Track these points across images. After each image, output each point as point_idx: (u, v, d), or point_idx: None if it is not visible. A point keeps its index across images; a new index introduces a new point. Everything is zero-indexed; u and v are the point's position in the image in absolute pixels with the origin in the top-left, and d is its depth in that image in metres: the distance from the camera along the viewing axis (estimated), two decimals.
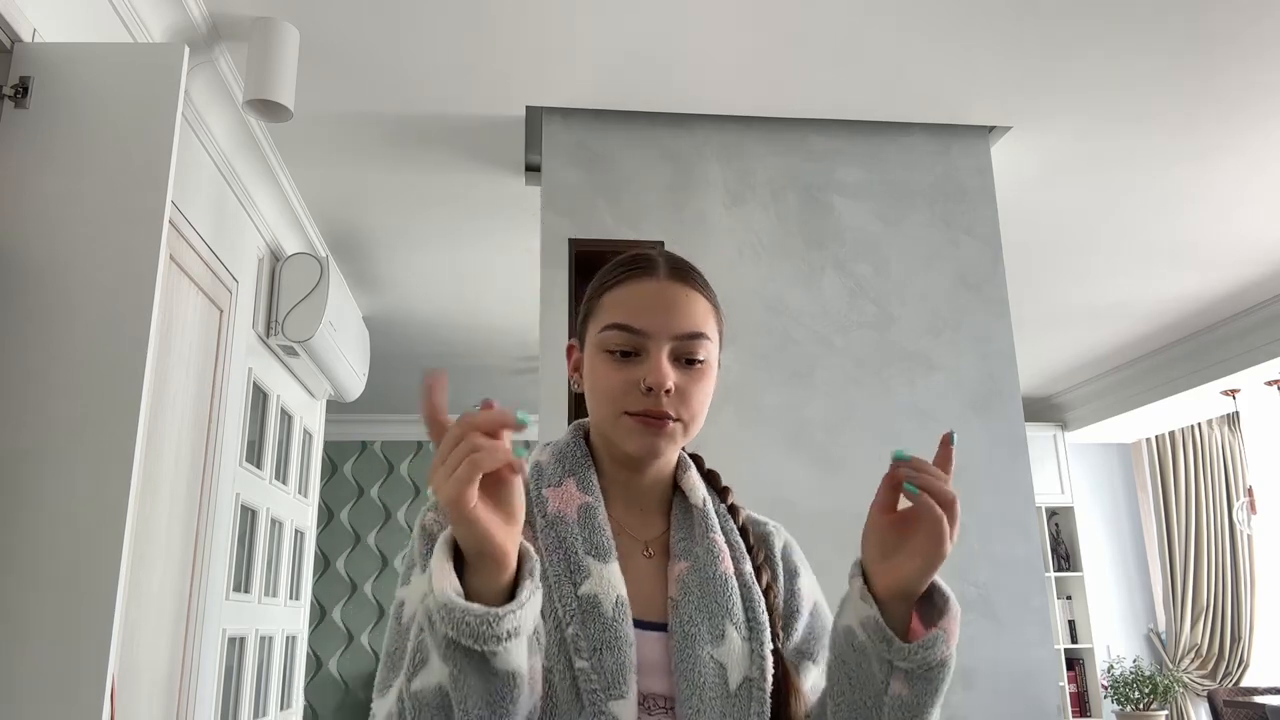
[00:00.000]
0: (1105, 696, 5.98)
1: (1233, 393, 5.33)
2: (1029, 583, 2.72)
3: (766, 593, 0.95)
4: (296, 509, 3.98)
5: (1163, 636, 6.45)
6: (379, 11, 2.42)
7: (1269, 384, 5.14)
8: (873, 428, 2.77)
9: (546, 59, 2.64)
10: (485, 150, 3.13)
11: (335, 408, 6.82)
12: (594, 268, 3.22)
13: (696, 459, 1.08)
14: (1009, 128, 3.03)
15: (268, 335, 3.41)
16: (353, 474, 6.91)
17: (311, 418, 4.26)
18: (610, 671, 0.82)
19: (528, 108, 2.89)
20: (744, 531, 1.01)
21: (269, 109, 2.40)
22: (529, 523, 0.90)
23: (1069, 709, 6.00)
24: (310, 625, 5.16)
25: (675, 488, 1.01)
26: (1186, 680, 6.21)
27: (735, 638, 0.89)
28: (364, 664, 6.55)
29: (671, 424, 0.90)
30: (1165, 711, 5.84)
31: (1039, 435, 6.37)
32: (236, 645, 3.19)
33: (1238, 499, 6.29)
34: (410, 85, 2.75)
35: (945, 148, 3.06)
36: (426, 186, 3.38)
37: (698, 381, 0.93)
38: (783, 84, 2.79)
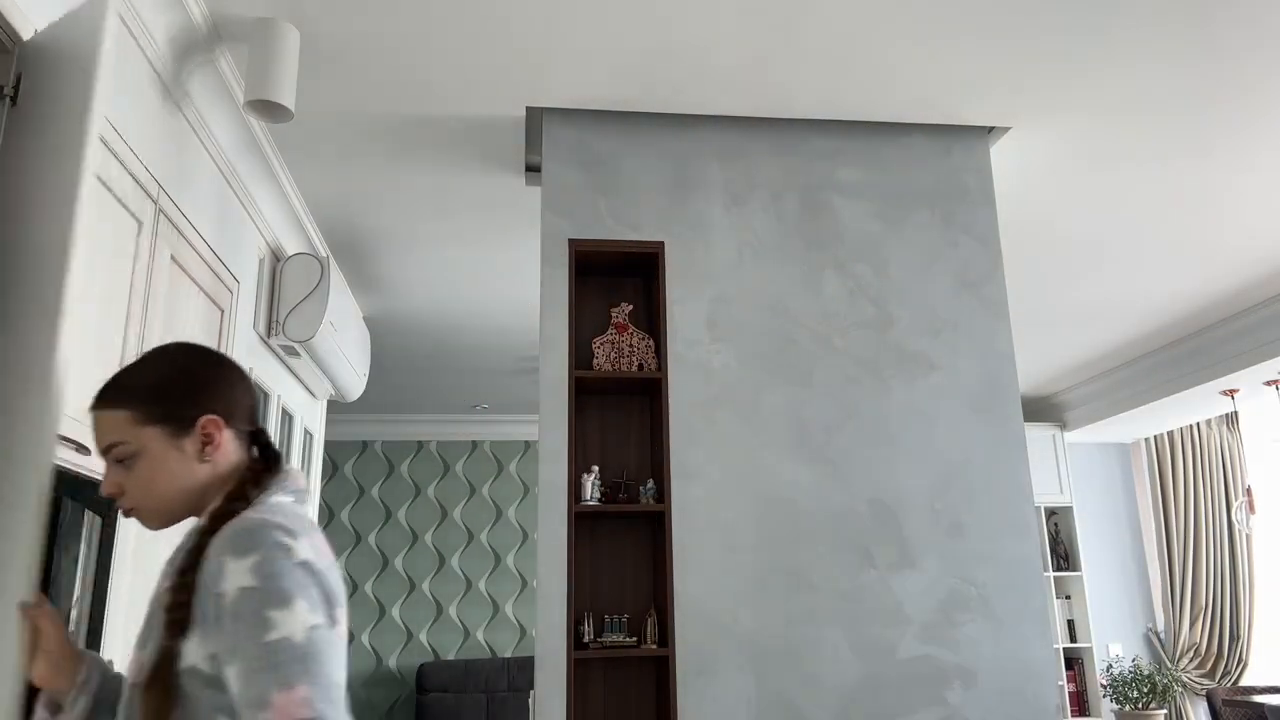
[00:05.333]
0: (1104, 696, 5.99)
1: (1231, 393, 5.34)
2: (1028, 582, 2.72)
3: (172, 600, 1.10)
4: None
5: (1161, 636, 6.46)
6: (379, 12, 2.42)
7: (1268, 384, 5.15)
8: (873, 428, 2.77)
9: (546, 59, 2.64)
10: (485, 150, 3.13)
11: (336, 408, 6.83)
12: (594, 268, 3.20)
13: (243, 478, 1.23)
14: (1008, 128, 3.04)
15: (269, 335, 3.41)
16: (353, 474, 6.92)
17: (312, 418, 4.26)
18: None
19: (528, 108, 2.89)
20: (191, 549, 1.15)
21: (269, 109, 2.40)
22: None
23: (1068, 708, 6.01)
24: None
25: None
26: (1185, 679, 6.22)
27: (134, 648, 1.15)
28: (364, 663, 6.56)
29: (131, 511, 1.20)
30: (1164, 711, 5.85)
31: (1038, 435, 6.38)
32: None
33: (1236, 499, 6.30)
34: (410, 85, 2.75)
35: (945, 148, 3.06)
36: (427, 186, 3.39)
37: (135, 472, 1.19)
38: (783, 84, 2.79)
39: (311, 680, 1.03)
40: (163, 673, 1.06)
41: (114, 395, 1.22)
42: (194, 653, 1.07)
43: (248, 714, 1.02)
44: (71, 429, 1.89)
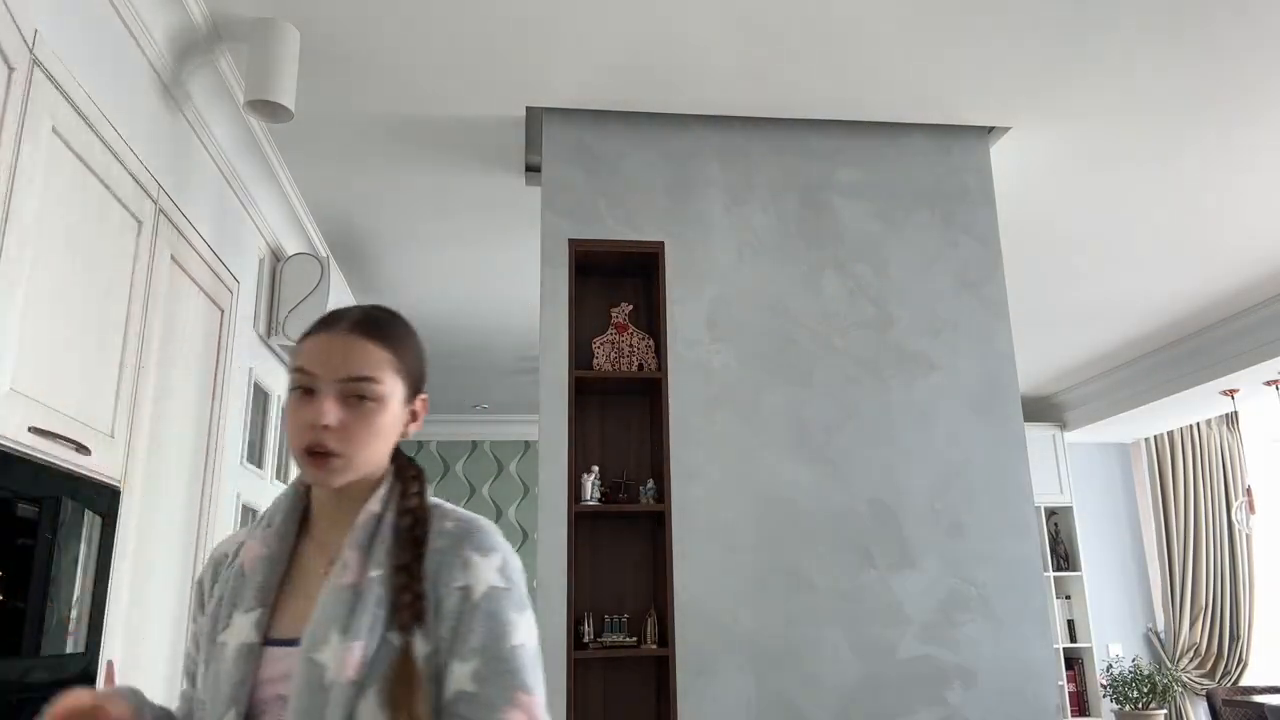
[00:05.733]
0: (1104, 696, 5.99)
1: (1231, 393, 5.34)
2: (1028, 582, 2.72)
3: (399, 594, 1.02)
4: None
5: (1161, 636, 6.46)
6: (379, 12, 2.42)
7: (1268, 384, 5.15)
8: (873, 428, 2.77)
9: (546, 59, 2.64)
10: (485, 150, 3.13)
11: None
12: (594, 268, 3.20)
13: (403, 468, 1.15)
14: (1008, 128, 3.04)
15: (269, 335, 3.41)
16: None
17: None
18: (213, 701, 1.02)
19: (528, 108, 2.89)
20: (401, 537, 1.08)
21: (270, 109, 2.40)
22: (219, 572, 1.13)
23: (1068, 708, 6.01)
24: None
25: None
26: (1185, 679, 6.22)
27: (335, 640, 0.99)
28: None
29: (333, 459, 1.05)
30: (1164, 711, 5.85)
31: (1038, 435, 6.38)
32: None
33: (1236, 499, 6.30)
34: (410, 85, 2.75)
35: (945, 148, 3.06)
36: (427, 186, 3.39)
37: (364, 418, 1.07)
38: (783, 84, 2.79)
39: (541, 689, 1.02)
40: (410, 668, 0.98)
41: (383, 334, 1.12)
42: (417, 647, 1.00)
43: (483, 714, 0.98)
44: (71, 429, 1.89)
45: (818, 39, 2.57)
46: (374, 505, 1.09)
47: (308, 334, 1.11)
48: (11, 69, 1.69)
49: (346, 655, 0.98)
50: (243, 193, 3.06)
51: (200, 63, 2.53)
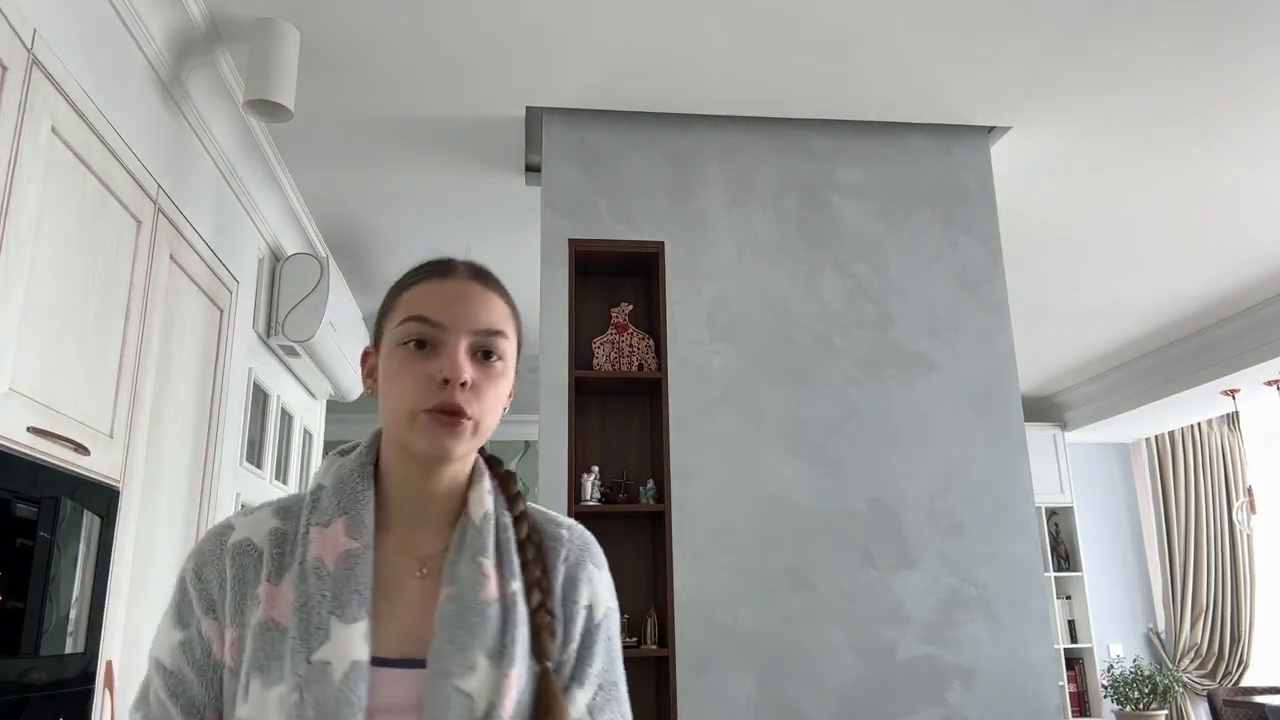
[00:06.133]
0: (1105, 696, 5.99)
1: (1232, 392, 5.34)
2: (1028, 583, 2.72)
3: (536, 613, 0.90)
4: None
5: (1162, 636, 6.45)
6: (379, 12, 2.42)
7: (1269, 384, 5.14)
8: (873, 428, 2.77)
9: (546, 59, 2.64)
10: (485, 150, 3.13)
11: (335, 407, 6.81)
12: (594, 268, 3.19)
13: (493, 463, 1.01)
14: (1009, 128, 3.03)
15: (268, 335, 3.41)
16: None
17: (312, 418, 4.26)
18: None
19: (528, 108, 2.89)
20: (525, 544, 0.95)
21: (269, 109, 2.40)
22: (285, 568, 0.88)
23: (1068, 709, 6.01)
24: None
25: (464, 502, 0.95)
26: (1186, 680, 6.22)
27: (485, 666, 0.84)
28: None
29: (465, 422, 0.88)
30: (1165, 711, 5.84)
31: (1039, 435, 6.38)
32: None
33: (1237, 499, 6.29)
34: (410, 85, 2.75)
35: (945, 148, 3.06)
36: (427, 187, 3.38)
37: (493, 380, 0.91)
38: (783, 84, 2.79)
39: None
40: (557, 701, 0.86)
41: (502, 287, 0.97)
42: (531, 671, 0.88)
43: None
44: (70, 429, 1.89)
45: (818, 39, 2.57)
46: (486, 502, 0.94)
47: (413, 281, 0.95)
48: (5, 68, 1.69)
49: (503, 685, 0.84)
50: (242, 192, 3.06)
51: (200, 62, 2.52)
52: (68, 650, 1.92)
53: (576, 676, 0.91)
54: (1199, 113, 2.95)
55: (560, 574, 0.94)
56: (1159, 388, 5.53)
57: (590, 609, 0.94)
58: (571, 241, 2.78)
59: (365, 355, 0.98)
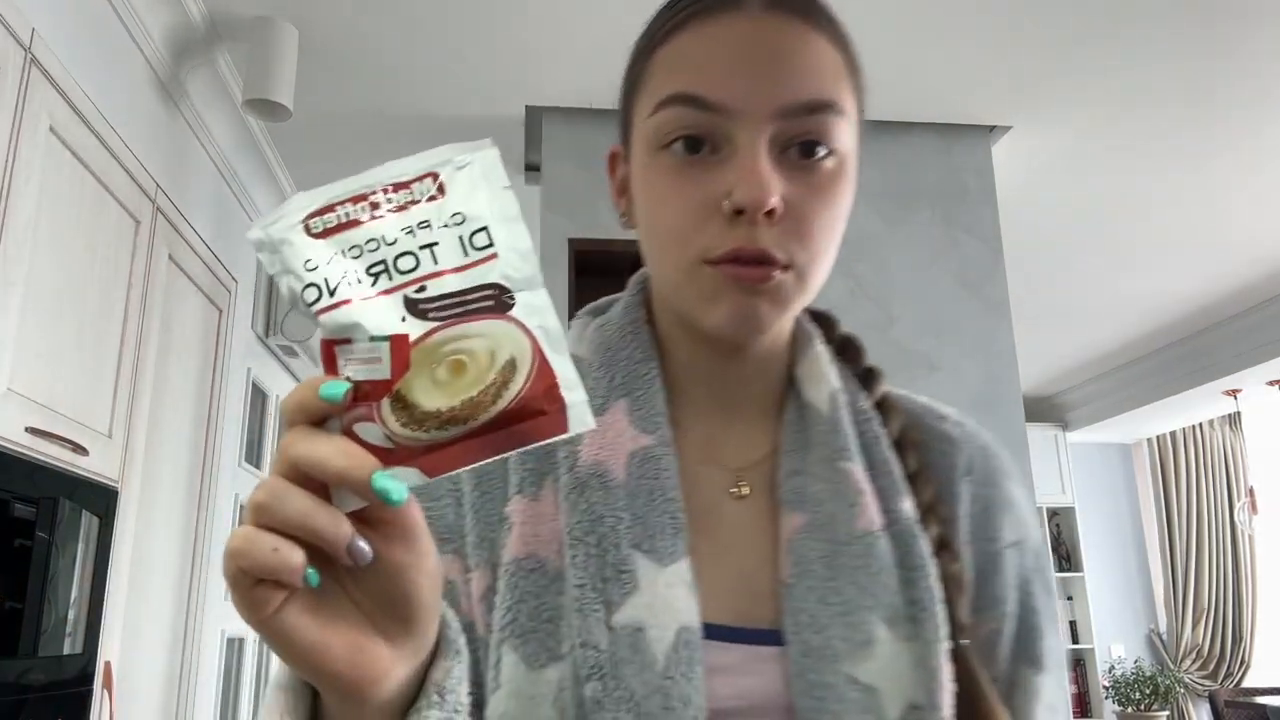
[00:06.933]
0: (1106, 697, 5.98)
1: (1234, 393, 5.33)
2: None
3: (940, 553, 0.57)
4: None
5: (1164, 637, 6.44)
6: (378, 12, 2.41)
7: (1270, 384, 5.14)
8: None
9: (546, 59, 2.63)
10: None
11: None
12: (594, 267, 3.17)
13: (824, 321, 0.70)
14: (1009, 127, 3.03)
15: (267, 335, 3.41)
16: None
17: None
18: None
19: (527, 107, 2.88)
20: (900, 447, 0.62)
21: (268, 109, 2.39)
22: (543, 473, 0.57)
23: (1070, 709, 6.00)
24: None
25: (790, 380, 0.63)
26: (1187, 681, 6.21)
27: (887, 641, 0.52)
28: None
29: (779, 275, 0.53)
30: (1166, 712, 5.83)
31: (1039, 435, 6.36)
32: (236, 646, 3.19)
33: (1239, 499, 6.28)
34: (410, 85, 2.74)
35: (946, 147, 3.05)
36: None
37: (823, 195, 0.56)
38: None
39: None
40: (987, 700, 0.55)
41: (828, 19, 0.62)
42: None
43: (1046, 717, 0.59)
44: (68, 429, 1.89)
45: None
46: (828, 377, 0.62)
47: (673, 25, 0.58)
48: (5, 68, 1.69)
49: (931, 666, 0.52)
50: (241, 192, 3.05)
51: (198, 62, 2.52)
52: (66, 651, 1.92)
53: (1020, 653, 0.60)
54: (1199, 113, 2.94)
55: (964, 495, 0.62)
56: (1160, 388, 5.52)
57: (1019, 549, 0.61)
58: (571, 241, 2.77)
59: (612, 158, 0.69)
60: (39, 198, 1.79)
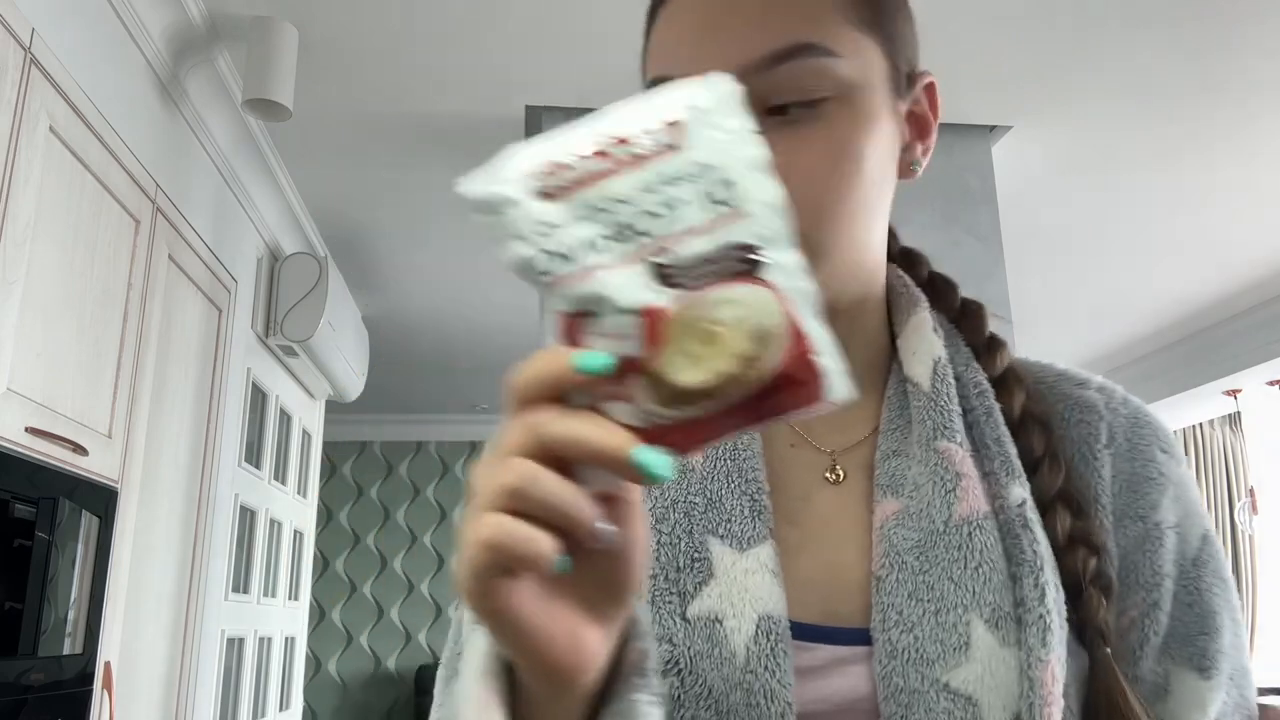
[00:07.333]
0: None
1: (1234, 393, 5.33)
2: None
3: (1070, 547, 0.51)
4: (295, 509, 3.97)
5: None
6: (378, 11, 2.41)
7: (1270, 384, 5.14)
8: None
9: (546, 59, 2.63)
10: (485, 150, 3.09)
11: (334, 408, 6.80)
12: None
13: (939, 286, 0.65)
14: (1010, 127, 3.03)
15: (267, 335, 3.40)
16: (352, 474, 6.91)
17: (310, 418, 4.25)
18: None
19: (527, 107, 2.88)
20: (1022, 425, 0.55)
21: (268, 109, 2.39)
22: None
23: None
24: (309, 626, 5.18)
25: (894, 352, 0.58)
26: None
27: (987, 644, 0.47)
28: (363, 665, 6.55)
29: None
30: None
31: None
32: (235, 646, 3.19)
33: (1239, 499, 6.28)
34: (409, 85, 2.74)
35: (946, 147, 3.03)
36: (426, 186, 3.37)
37: (819, 146, 0.51)
38: None
39: None
40: (1128, 703, 0.48)
41: None
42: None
43: None
44: (68, 429, 1.88)
45: None
46: (933, 346, 0.56)
47: (652, 6, 0.59)
48: (4, 68, 1.68)
49: (1039, 677, 0.46)
50: (241, 192, 3.05)
51: (198, 61, 2.52)
52: (66, 651, 1.91)
53: (1183, 655, 0.52)
54: (1200, 113, 2.94)
55: (1105, 468, 0.54)
56: (1160, 388, 5.52)
57: (1180, 532, 0.53)
58: None
59: None
60: (39, 198, 1.78)
